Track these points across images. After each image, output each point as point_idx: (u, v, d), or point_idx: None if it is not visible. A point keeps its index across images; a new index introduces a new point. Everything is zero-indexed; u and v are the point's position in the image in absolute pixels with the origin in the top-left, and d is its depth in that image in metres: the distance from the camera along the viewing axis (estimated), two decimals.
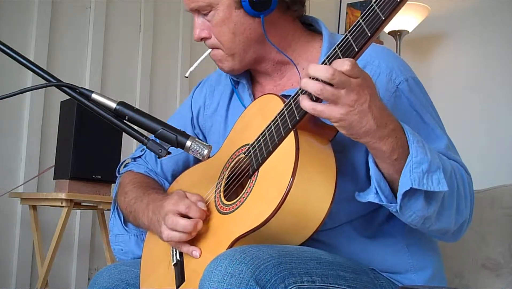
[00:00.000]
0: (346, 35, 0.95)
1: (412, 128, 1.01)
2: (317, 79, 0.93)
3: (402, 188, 0.97)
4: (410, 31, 3.23)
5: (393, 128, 0.97)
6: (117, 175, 1.45)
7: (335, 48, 0.97)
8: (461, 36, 3.29)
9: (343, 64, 0.91)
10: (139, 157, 1.45)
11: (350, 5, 3.72)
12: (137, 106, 1.31)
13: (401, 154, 0.97)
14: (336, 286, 1.03)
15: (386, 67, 1.16)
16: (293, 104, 1.03)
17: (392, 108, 1.01)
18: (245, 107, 1.26)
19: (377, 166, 1.01)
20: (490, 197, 1.56)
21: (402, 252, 1.19)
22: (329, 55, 0.98)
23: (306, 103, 0.96)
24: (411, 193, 0.98)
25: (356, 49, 0.94)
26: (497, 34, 3.16)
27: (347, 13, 3.73)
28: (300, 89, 1.00)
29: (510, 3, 3.09)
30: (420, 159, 0.97)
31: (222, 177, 1.19)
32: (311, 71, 0.93)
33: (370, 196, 1.02)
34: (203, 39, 1.23)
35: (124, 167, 1.45)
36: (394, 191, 1.01)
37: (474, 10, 3.22)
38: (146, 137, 1.07)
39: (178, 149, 1.07)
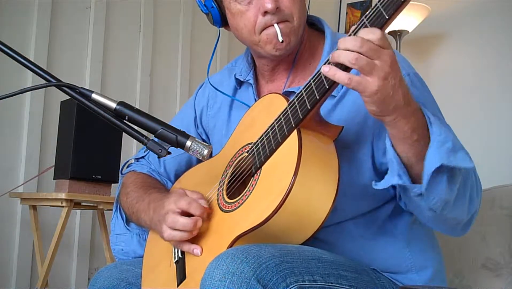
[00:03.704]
0: (350, 34, 0.95)
1: None
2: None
3: (431, 166, 0.93)
4: (410, 31, 3.23)
5: (416, 107, 0.95)
6: (120, 175, 1.45)
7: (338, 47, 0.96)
8: (461, 36, 3.29)
9: (372, 32, 0.89)
10: (142, 157, 1.45)
11: (350, 5, 3.72)
12: (137, 106, 1.30)
13: (421, 135, 0.95)
14: (337, 285, 1.03)
15: None
16: (296, 103, 1.03)
17: None
18: (249, 107, 1.26)
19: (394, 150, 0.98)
20: (490, 197, 1.56)
21: (403, 252, 1.19)
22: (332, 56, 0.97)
23: (341, 75, 0.91)
24: (435, 173, 0.94)
25: None
26: (497, 34, 3.15)
27: (347, 13, 3.73)
28: (328, 61, 0.95)
29: (510, 3, 3.09)
30: (444, 137, 0.95)
31: (225, 175, 1.19)
32: (340, 45, 0.91)
33: (393, 179, 0.97)
34: (277, 9, 1.14)
35: (127, 167, 1.45)
36: (411, 176, 0.99)
37: (474, 10, 3.22)
38: (146, 137, 1.07)
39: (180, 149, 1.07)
